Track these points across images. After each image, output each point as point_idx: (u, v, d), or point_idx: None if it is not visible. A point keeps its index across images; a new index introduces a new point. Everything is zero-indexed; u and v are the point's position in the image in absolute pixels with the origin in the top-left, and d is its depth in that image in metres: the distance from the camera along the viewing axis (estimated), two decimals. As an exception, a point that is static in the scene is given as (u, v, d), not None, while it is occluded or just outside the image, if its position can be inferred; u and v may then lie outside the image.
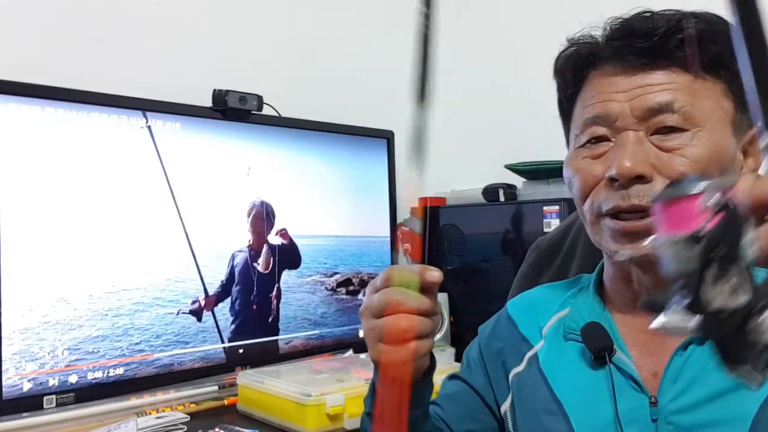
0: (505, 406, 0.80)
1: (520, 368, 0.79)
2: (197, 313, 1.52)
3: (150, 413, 1.32)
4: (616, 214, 0.69)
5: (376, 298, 0.67)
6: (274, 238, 1.67)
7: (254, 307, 1.63)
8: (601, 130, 0.71)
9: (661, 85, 0.68)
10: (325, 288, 1.77)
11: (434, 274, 0.65)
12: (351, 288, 1.82)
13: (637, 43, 0.69)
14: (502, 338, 0.83)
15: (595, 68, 0.74)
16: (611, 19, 0.73)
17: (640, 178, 0.67)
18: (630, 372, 0.69)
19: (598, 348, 0.71)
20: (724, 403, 0.65)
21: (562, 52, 0.78)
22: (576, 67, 0.75)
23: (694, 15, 0.69)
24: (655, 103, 0.67)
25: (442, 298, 1.85)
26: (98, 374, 1.36)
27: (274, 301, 1.67)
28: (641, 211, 0.67)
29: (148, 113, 1.45)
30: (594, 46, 0.74)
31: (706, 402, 0.65)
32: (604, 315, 0.76)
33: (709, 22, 0.68)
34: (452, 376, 0.90)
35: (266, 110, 1.68)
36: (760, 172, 0.71)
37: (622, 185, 0.68)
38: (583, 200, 0.73)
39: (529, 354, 0.79)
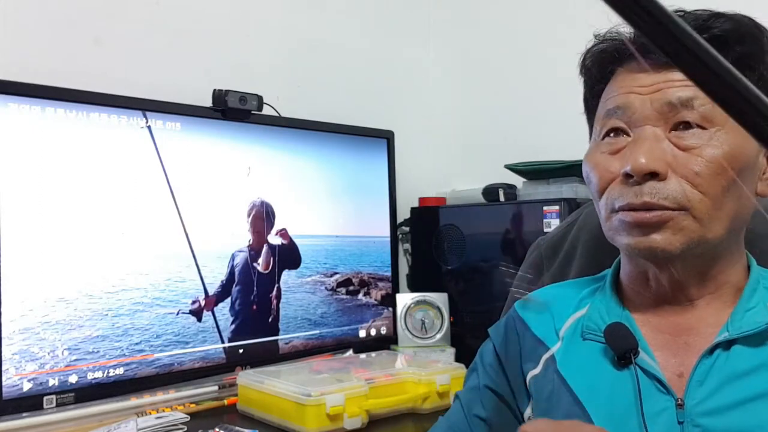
0: (528, 412, 0.78)
1: (536, 371, 0.78)
2: (197, 313, 1.52)
3: (150, 413, 1.32)
4: (627, 209, 0.68)
5: None
6: (274, 238, 1.67)
7: (254, 307, 1.63)
8: (618, 123, 0.70)
9: (682, 81, 0.67)
10: (325, 288, 1.77)
11: None
12: (351, 288, 1.82)
13: None
14: (517, 342, 0.81)
15: (621, 65, 0.73)
16: None
17: (655, 176, 0.66)
18: (655, 373, 0.68)
19: (624, 349, 0.70)
20: (754, 409, 0.64)
21: (590, 48, 0.76)
22: (602, 64, 0.74)
23: (722, 15, 0.68)
24: (675, 97, 0.67)
25: (442, 297, 1.85)
26: (98, 374, 1.36)
27: (274, 301, 1.67)
28: (652, 208, 0.66)
29: (148, 113, 1.45)
30: (621, 43, 0.73)
31: (734, 406, 0.65)
32: (624, 315, 0.75)
33: (737, 23, 0.67)
34: (473, 390, 0.84)
35: (266, 110, 1.68)
36: None
37: (636, 182, 0.67)
38: (600, 195, 0.72)
39: (546, 356, 0.77)
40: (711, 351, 0.68)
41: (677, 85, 0.67)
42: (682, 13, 0.69)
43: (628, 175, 0.67)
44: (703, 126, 0.66)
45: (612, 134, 0.71)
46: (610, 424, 0.68)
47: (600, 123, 0.73)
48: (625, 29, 0.73)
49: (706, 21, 0.67)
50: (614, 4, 0.26)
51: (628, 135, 0.70)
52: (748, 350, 0.67)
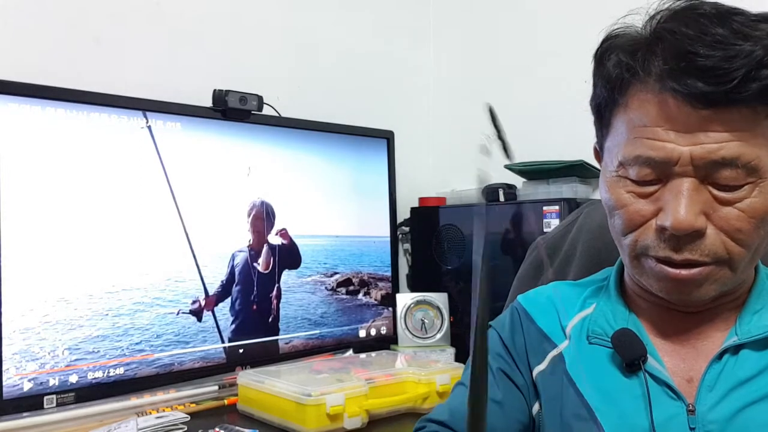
0: (536, 408, 0.77)
1: (542, 367, 0.76)
2: (197, 313, 1.52)
3: (150, 413, 1.32)
4: (664, 261, 0.65)
5: None
6: (274, 238, 1.67)
7: (254, 307, 1.63)
8: (653, 175, 0.65)
9: (728, 134, 0.61)
10: (325, 288, 1.77)
11: None
12: (351, 288, 1.82)
13: (707, 86, 0.59)
14: (522, 334, 0.80)
15: (645, 85, 0.65)
16: (668, 23, 0.64)
17: (694, 232, 0.63)
18: (665, 379, 0.67)
19: (633, 357, 0.68)
20: (762, 410, 0.64)
21: (606, 51, 0.68)
22: (621, 78, 0.67)
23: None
24: (719, 156, 0.61)
25: (442, 297, 1.85)
26: (98, 374, 1.36)
27: (274, 301, 1.67)
28: (692, 265, 0.64)
29: (148, 113, 1.45)
30: (647, 63, 0.64)
31: (745, 410, 0.64)
32: (631, 319, 0.73)
33: None
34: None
35: (266, 110, 1.68)
36: None
37: (674, 236, 0.63)
38: (625, 235, 0.68)
39: (553, 353, 0.76)
40: (720, 356, 0.67)
41: (720, 141, 0.61)
42: (722, 39, 0.60)
43: (665, 229, 0.64)
44: (746, 182, 0.62)
45: (643, 182, 0.66)
46: (619, 429, 0.68)
47: (625, 158, 0.66)
48: (644, 29, 0.65)
49: (760, 65, 0.59)
50: None
51: (660, 180, 0.65)
52: (756, 354, 0.67)
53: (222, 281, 1.57)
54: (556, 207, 1.64)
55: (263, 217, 1.65)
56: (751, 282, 0.72)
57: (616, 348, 0.71)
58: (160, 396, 1.39)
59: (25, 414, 1.25)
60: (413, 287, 2.02)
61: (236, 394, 1.40)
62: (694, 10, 0.63)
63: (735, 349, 0.67)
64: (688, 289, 0.66)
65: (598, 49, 0.70)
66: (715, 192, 0.63)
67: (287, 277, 1.70)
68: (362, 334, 1.83)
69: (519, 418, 0.77)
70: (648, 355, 0.69)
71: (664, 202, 0.64)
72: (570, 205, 1.62)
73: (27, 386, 1.27)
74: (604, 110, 0.71)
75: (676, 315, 0.72)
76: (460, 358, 1.77)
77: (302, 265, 1.73)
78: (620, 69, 0.66)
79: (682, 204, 0.62)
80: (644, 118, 0.64)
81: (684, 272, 0.64)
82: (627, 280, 0.77)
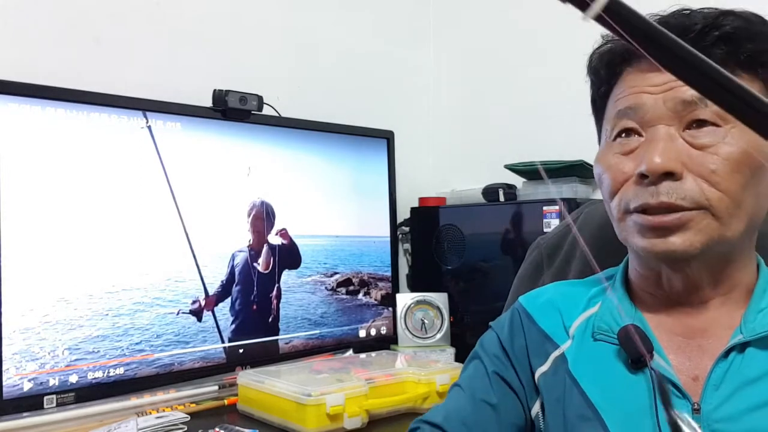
0: (536, 409, 0.77)
1: (545, 368, 0.76)
2: (197, 313, 1.52)
3: (150, 413, 1.32)
4: (643, 210, 0.67)
5: None
6: (274, 238, 1.67)
7: (254, 307, 1.63)
8: (630, 123, 0.69)
9: None
10: (325, 288, 1.77)
11: None
12: (351, 288, 1.82)
13: None
14: (522, 335, 0.79)
15: (629, 65, 0.71)
16: (648, 15, 0.71)
17: (670, 175, 0.65)
18: (670, 377, 0.67)
19: (639, 353, 0.68)
20: None
21: (597, 49, 0.76)
22: (610, 65, 0.73)
23: (732, 13, 0.67)
24: (689, 95, 0.65)
25: (442, 297, 1.85)
26: (98, 374, 1.36)
27: (274, 301, 1.67)
28: (670, 209, 0.65)
29: (148, 113, 1.46)
30: (629, 50, 0.70)
31: (752, 411, 0.64)
32: (637, 316, 0.73)
33: (747, 20, 0.67)
34: (476, 377, 0.81)
35: (266, 110, 1.68)
36: None
37: (651, 182, 0.66)
38: (612, 197, 0.71)
39: (555, 353, 0.76)
40: (726, 354, 0.67)
41: None
42: (689, 11, 0.68)
43: (642, 176, 0.66)
44: (717, 123, 0.65)
45: (624, 135, 0.70)
46: (625, 428, 0.67)
47: (611, 123, 0.72)
48: None
49: (716, 19, 0.66)
50: (606, 24, 0.26)
51: (640, 135, 0.69)
52: (762, 353, 0.67)
53: (222, 281, 1.57)
54: (556, 207, 1.64)
55: (263, 217, 1.65)
56: (755, 279, 0.72)
57: (622, 344, 0.70)
58: (160, 396, 1.39)
59: (25, 414, 1.25)
60: (413, 287, 2.02)
61: (236, 394, 1.40)
62: (681, 11, 0.70)
63: (741, 348, 0.67)
64: (668, 234, 0.66)
65: (591, 55, 0.76)
66: (690, 139, 0.66)
67: (287, 277, 1.70)
68: (362, 334, 1.83)
69: (514, 422, 0.77)
70: (654, 353, 0.68)
71: (642, 152, 0.68)
72: (570, 205, 1.62)
73: (27, 386, 1.27)
74: (599, 102, 0.76)
75: (682, 311, 0.72)
76: (460, 357, 1.77)
77: (302, 265, 1.73)
78: (608, 54, 0.74)
79: (656, 148, 0.66)
80: (625, 86, 0.71)
81: (665, 218, 0.66)
82: (632, 276, 0.77)
